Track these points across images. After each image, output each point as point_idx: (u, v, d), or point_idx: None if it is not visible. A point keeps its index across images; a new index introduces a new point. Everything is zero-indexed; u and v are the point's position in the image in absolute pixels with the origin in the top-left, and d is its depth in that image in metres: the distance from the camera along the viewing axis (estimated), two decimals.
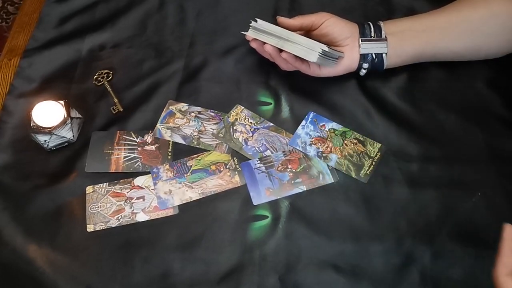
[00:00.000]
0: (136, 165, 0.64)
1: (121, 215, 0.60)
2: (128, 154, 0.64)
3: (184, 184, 0.62)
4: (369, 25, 0.64)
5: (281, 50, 0.62)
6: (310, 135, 0.65)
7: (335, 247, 0.57)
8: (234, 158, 0.64)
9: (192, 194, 0.61)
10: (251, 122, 0.66)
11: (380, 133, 0.64)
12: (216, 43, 0.74)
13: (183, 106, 0.68)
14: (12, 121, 0.68)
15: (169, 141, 0.65)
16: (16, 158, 0.65)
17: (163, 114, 0.67)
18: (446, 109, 0.66)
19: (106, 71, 0.72)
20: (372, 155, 0.63)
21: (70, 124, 0.63)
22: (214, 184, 0.62)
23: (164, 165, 0.64)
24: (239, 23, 0.69)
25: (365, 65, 0.65)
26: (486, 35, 0.63)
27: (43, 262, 0.57)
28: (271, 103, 0.68)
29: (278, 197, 0.60)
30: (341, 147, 0.64)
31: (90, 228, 0.59)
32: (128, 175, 0.63)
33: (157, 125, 0.67)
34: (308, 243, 0.58)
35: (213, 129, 0.66)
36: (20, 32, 0.77)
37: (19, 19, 0.79)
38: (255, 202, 0.60)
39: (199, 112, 0.68)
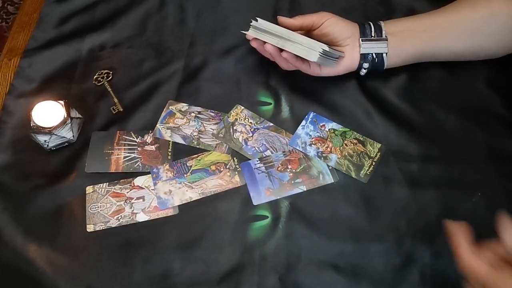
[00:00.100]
0: (136, 165, 0.64)
1: (121, 215, 0.60)
2: (128, 154, 0.64)
3: (184, 184, 0.62)
4: (369, 25, 0.64)
5: (281, 50, 0.62)
6: (310, 135, 0.65)
7: (335, 247, 0.57)
8: (234, 158, 0.64)
9: (192, 194, 0.61)
10: (251, 122, 0.66)
11: (380, 133, 0.64)
12: (216, 43, 0.74)
13: (183, 106, 0.68)
14: (12, 121, 0.68)
15: (169, 141, 0.65)
16: (16, 158, 0.65)
17: (163, 114, 0.67)
18: (446, 109, 0.66)
19: (106, 71, 0.72)
20: (372, 155, 0.63)
21: (70, 124, 0.63)
22: (214, 184, 0.62)
23: (164, 165, 0.64)
24: (239, 23, 0.69)
25: (366, 65, 0.65)
26: (486, 35, 0.63)
27: (43, 262, 0.57)
28: (271, 103, 0.68)
29: (278, 197, 0.60)
30: (341, 147, 0.64)
31: (90, 228, 0.59)
32: (128, 175, 0.63)
33: (157, 125, 0.67)
34: (308, 243, 0.58)
35: (213, 129, 0.66)
36: (20, 32, 0.77)
37: (19, 19, 0.79)
38: (255, 202, 0.60)
39: (199, 112, 0.68)
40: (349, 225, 0.58)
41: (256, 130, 0.66)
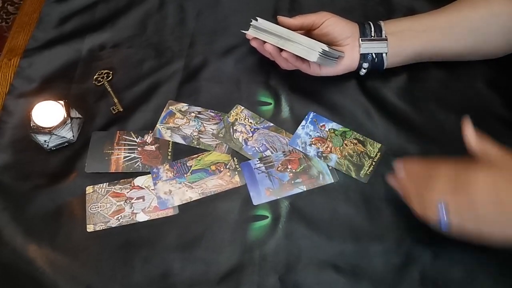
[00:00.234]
0: (136, 165, 0.64)
1: (121, 215, 0.60)
2: (128, 154, 0.64)
3: (184, 184, 0.62)
4: (369, 24, 0.64)
5: (281, 50, 0.62)
6: (310, 135, 0.65)
7: (335, 247, 0.57)
8: (234, 158, 0.64)
9: (192, 194, 0.61)
10: (251, 122, 0.66)
11: (380, 133, 0.64)
12: (216, 43, 0.74)
13: (183, 106, 0.68)
14: (12, 121, 0.68)
15: (169, 141, 0.65)
16: (16, 158, 0.65)
17: (163, 114, 0.67)
18: (446, 109, 0.66)
19: (106, 71, 0.72)
20: (372, 155, 0.63)
21: (70, 124, 0.63)
22: (214, 184, 0.62)
23: (164, 165, 0.64)
24: (239, 23, 0.69)
25: (365, 65, 0.65)
26: (486, 35, 0.63)
27: (43, 262, 0.57)
28: (271, 103, 0.68)
29: (278, 197, 0.60)
30: (341, 147, 0.64)
31: (90, 228, 0.59)
32: (128, 175, 0.63)
33: (157, 125, 0.67)
34: (308, 243, 0.58)
35: (213, 129, 0.66)
36: (20, 32, 0.77)
37: (19, 19, 0.79)
38: (255, 202, 0.60)
39: (199, 112, 0.68)
40: (349, 225, 0.58)
41: (256, 130, 0.66)
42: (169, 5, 0.78)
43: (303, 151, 0.63)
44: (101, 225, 0.60)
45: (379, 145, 0.63)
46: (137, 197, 0.61)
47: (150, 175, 0.63)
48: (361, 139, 0.64)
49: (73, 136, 0.65)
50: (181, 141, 0.65)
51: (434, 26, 0.63)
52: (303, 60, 0.63)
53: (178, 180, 0.62)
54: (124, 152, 0.65)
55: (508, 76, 0.67)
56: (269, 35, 0.62)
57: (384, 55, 0.64)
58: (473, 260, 0.55)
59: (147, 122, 0.67)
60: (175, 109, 0.68)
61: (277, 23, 0.63)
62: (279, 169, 0.62)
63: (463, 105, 0.66)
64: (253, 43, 0.65)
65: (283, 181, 0.62)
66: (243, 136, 0.65)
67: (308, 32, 0.65)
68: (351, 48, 0.64)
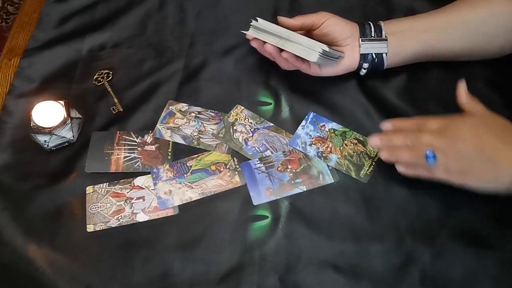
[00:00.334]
0: (136, 165, 0.64)
1: (121, 215, 0.60)
2: (128, 154, 0.64)
3: (184, 184, 0.62)
4: (369, 25, 0.64)
5: (281, 50, 0.62)
6: (310, 135, 0.65)
7: (335, 247, 0.57)
8: (234, 158, 0.64)
9: (192, 194, 0.61)
10: (251, 122, 0.66)
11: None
12: (216, 43, 0.74)
13: (183, 106, 0.68)
14: (12, 121, 0.68)
15: (169, 141, 0.65)
16: (16, 158, 0.65)
17: (163, 114, 0.67)
18: (446, 109, 0.65)
19: (106, 71, 0.72)
20: (372, 155, 0.63)
21: (70, 124, 0.63)
22: (214, 184, 0.62)
23: (164, 165, 0.64)
24: (239, 23, 0.69)
25: (365, 65, 0.65)
26: (486, 35, 0.63)
27: (43, 262, 0.57)
28: (271, 103, 0.68)
29: (278, 197, 0.60)
30: (341, 147, 0.64)
31: (90, 228, 0.59)
32: (128, 175, 0.63)
33: (157, 125, 0.67)
34: (308, 243, 0.58)
35: (213, 129, 0.66)
36: (20, 32, 0.77)
37: (19, 19, 0.79)
38: (255, 202, 0.60)
39: (199, 112, 0.68)
40: (349, 225, 0.58)
41: (256, 130, 0.66)
42: (169, 5, 0.78)
43: (303, 151, 0.63)
44: (101, 225, 0.60)
45: None
46: (137, 197, 0.61)
47: (150, 175, 0.63)
48: (361, 139, 0.64)
49: (73, 136, 0.65)
50: (181, 141, 0.65)
51: (434, 26, 0.63)
52: (303, 60, 0.63)
53: (178, 180, 0.62)
54: (124, 152, 0.65)
55: (508, 76, 0.67)
56: (269, 35, 0.62)
57: (384, 55, 0.64)
58: (473, 260, 0.55)
59: (147, 122, 0.67)
60: (175, 109, 0.68)
61: (277, 23, 0.63)
62: (279, 169, 0.62)
63: None
64: (253, 44, 0.65)
65: (283, 181, 0.62)
66: (243, 136, 0.65)
67: (308, 32, 0.65)
68: (351, 48, 0.64)
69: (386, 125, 0.59)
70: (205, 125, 0.66)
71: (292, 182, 0.61)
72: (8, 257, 0.58)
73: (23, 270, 0.57)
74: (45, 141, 0.63)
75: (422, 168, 0.56)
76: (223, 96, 0.69)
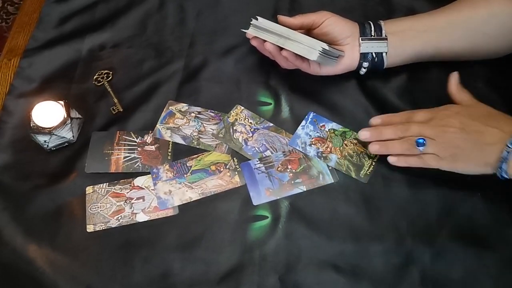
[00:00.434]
0: (136, 165, 0.64)
1: (121, 216, 0.60)
2: (128, 155, 0.64)
3: (184, 185, 0.62)
4: (369, 24, 0.64)
5: (281, 48, 0.62)
6: (310, 135, 0.65)
7: (335, 247, 0.57)
8: (234, 158, 0.64)
9: (192, 194, 0.61)
10: (251, 122, 0.66)
11: None
12: (216, 43, 0.74)
13: (183, 106, 0.68)
14: (12, 121, 0.68)
15: (169, 141, 0.65)
16: (16, 158, 0.65)
17: (163, 114, 0.67)
18: None
19: (106, 71, 0.72)
20: (372, 156, 0.63)
21: (70, 125, 0.63)
22: (214, 184, 0.62)
23: (164, 165, 0.64)
24: (239, 23, 0.69)
25: (365, 64, 0.65)
26: (486, 35, 0.63)
27: (43, 262, 0.57)
28: (271, 103, 0.68)
29: (278, 197, 0.60)
30: (341, 147, 0.64)
31: (90, 228, 0.59)
32: (128, 176, 0.63)
33: (157, 125, 0.67)
34: (308, 243, 0.58)
35: (213, 129, 0.66)
36: (20, 32, 0.77)
37: (19, 19, 0.79)
38: (255, 202, 0.60)
39: (199, 113, 0.68)
40: (349, 225, 0.58)
41: (256, 130, 0.66)
42: (169, 5, 0.78)
43: (303, 151, 0.63)
44: (101, 225, 0.60)
45: None
46: (137, 197, 0.61)
47: (150, 175, 0.63)
48: None
49: (73, 136, 0.65)
50: (181, 141, 0.65)
51: (434, 26, 0.63)
52: (303, 59, 0.63)
53: (178, 180, 0.62)
54: (124, 152, 0.65)
55: (508, 76, 0.67)
56: (269, 34, 0.62)
57: (384, 54, 0.64)
58: (473, 260, 0.55)
59: (147, 122, 0.67)
60: (175, 109, 0.68)
61: (277, 22, 0.63)
62: (279, 169, 0.62)
63: None
64: (253, 42, 0.65)
65: (283, 181, 0.62)
66: (243, 136, 0.65)
67: (308, 31, 0.65)
68: (351, 48, 0.64)
69: (375, 120, 0.62)
70: (205, 125, 0.66)
71: (292, 182, 0.61)
72: (8, 257, 0.58)
73: (23, 270, 0.57)
74: (45, 141, 0.63)
75: (413, 158, 0.58)
76: (223, 96, 0.69)
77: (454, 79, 0.61)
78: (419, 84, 0.68)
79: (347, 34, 0.64)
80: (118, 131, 0.66)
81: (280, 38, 0.61)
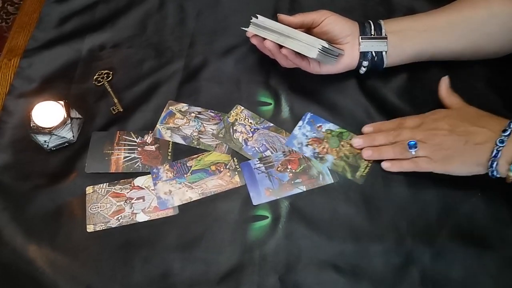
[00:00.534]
0: (136, 165, 0.64)
1: (121, 216, 0.60)
2: (128, 155, 0.64)
3: (184, 185, 0.62)
4: (369, 23, 0.64)
5: (281, 47, 0.62)
6: (307, 136, 0.65)
7: (335, 247, 0.57)
8: (234, 158, 0.64)
9: (192, 195, 0.61)
10: (251, 122, 0.66)
11: None
12: (216, 43, 0.74)
13: (183, 106, 0.68)
14: (12, 121, 0.68)
15: (169, 141, 0.65)
16: (16, 158, 0.65)
17: (163, 114, 0.67)
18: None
19: (106, 71, 0.72)
20: None
21: (70, 125, 0.63)
22: (214, 184, 0.62)
23: (164, 165, 0.64)
24: (239, 23, 0.69)
25: (365, 63, 0.65)
26: (487, 35, 0.63)
27: (43, 262, 0.57)
28: (271, 103, 0.68)
29: (278, 197, 0.60)
30: (338, 148, 0.63)
31: (90, 228, 0.59)
32: (128, 176, 0.63)
33: (157, 125, 0.67)
34: (308, 243, 0.58)
35: (213, 130, 0.66)
36: (20, 32, 0.77)
37: (19, 19, 0.79)
38: (255, 202, 0.60)
39: (199, 113, 0.68)
40: (349, 225, 0.58)
41: (256, 130, 0.66)
42: (169, 5, 0.78)
43: (299, 152, 0.63)
44: (101, 225, 0.60)
45: None
46: (137, 197, 0.61)
47: (150, 175, 0.63)
48: None
49: (73, 136, 0.65)
50: (181, 141, 0.65)
51: (434, 26, 0.63)
52: (303, 57, 0.63)
53: (178, 180, 0.62)
54: (124, 152, 0.65)
55: (508, 76, 0.67)
56: (269, 32, 0.62)
57: (384, 53, 0.64)
58: (473, 260, 0.55)
59: (147, 122, 0.67)
60: (175, 109, 0.68)
61: (277, 21, 0.63)
62: (279, 169, 0.62)
63: None
64: (253, 41, 0.65)
65: (283, 181, 0.62)
66: (243, 136, 0.65)
67: (308, 30, 0.65)
68: (351, 46, 0.64)
69: (367, 128, 0.64)
70: (205, 125, 0.66)
71: (292, 182, 0.61)
72: (8, 257, 0.58)
73: (23, 270, 0.57)
74: (45, 141, 0.63)
75: (406, 162, 0.59)
76: (223, 96, 0.69)
77: (444, 83, 0.63)
78: (419, 84, 0.68)
79: (347, 33, 0.64)
80: (118, 131, 0.66)
81: (280, 36, 0.61)
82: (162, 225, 0.59)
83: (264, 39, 0.62)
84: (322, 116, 0.66)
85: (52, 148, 0.65)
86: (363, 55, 0.64)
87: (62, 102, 0.64)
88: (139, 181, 0.63)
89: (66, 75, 0.72)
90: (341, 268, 0.56)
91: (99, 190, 0.62)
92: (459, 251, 0.56)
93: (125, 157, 0.64)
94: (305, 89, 0.68)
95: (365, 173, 0.61)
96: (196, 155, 0.64)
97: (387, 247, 0.57)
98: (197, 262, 0.57)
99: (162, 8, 0.78)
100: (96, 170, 0.63)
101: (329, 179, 0.61)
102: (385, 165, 0.61)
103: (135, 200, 0.61)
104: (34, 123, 0.62)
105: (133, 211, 0.60)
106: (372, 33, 0.64)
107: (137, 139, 0.66)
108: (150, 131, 0.66)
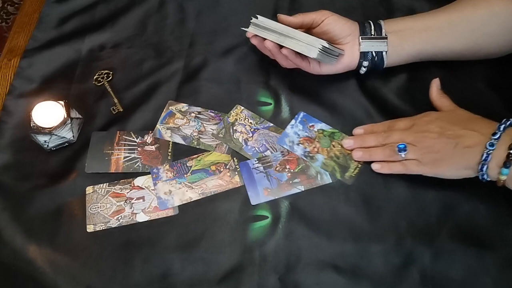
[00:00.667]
0: (136, 165, 0.64)
1: (121, 216, 0.60)
2: (128, 155, 0.64)
3: (184, 185, 0.62)
4: (369, 23, 0.64)
5: (281, 47, 0.62)
6: (299, 135, 0.65)
7: (335, 247, 0.57)
8: (234, 158, 0.64)
9: (192, 195, 0.61)
10: (251, 123, 0.66)
11: None
12: (216, 43, 0.74)
13: (183, 106, 0.68)
14: (12, 121, 0.68)
15: (169, 141, 0.65)
16: (16, 158, 0.65)
17: (163, 114, 0.67)
18: None
19: (106, 71, 0.72)
20: None
21: (70, 125, 0.63)
22: (214, 184, 0.62)
23: (164, 165, 0.64)
24: (239, 23, 0.69)
25: (365, 63, 0.65)
26: (487, 35, 0.63)
27: (43, 262, 0.57)
28: (271, 103, 0.68)
29: (276, 197, 0.60)
30: (329, 148, 0.63)
31: (90, 228, 0.59)
32: (128, 176, 0.63)
33: (157, 125, 0.67)
34: (308, 243, 0.58)
35: (213, 130, 0.66)
36: (20, 32, 0.77)
37: (19, 19, 0.79)
38: (253, 202, 0.60)
39: (199, 113, 0.68)
40: (349, 225, 0.58)
41: (256, 130, 0.66)
42: (169, 5, 0.78)
43: (290, 150, 0.63)
44: (101, 225, 0.60)
45: None
46: (137, 197, 0.61)
47: (150, 175, 0.63)
48: None
49: (73, 136, 0.65)
50: (181, 141, 0.65)
51: (434, 26, 0.63)
52: (303, 57, 0.63)
53: (178, 180, 0.62)
54: (124, 152, 0.65)
55: (508, 76, 0.67)
56: (269, 32, 0.62)
57: (384, 53, 0.64)
58: (473, 260, 0.55)
59: (147, 122, 0.67)
60: (175, 109, 0.68)
61: (277, 21, 0.63)
62: (277, 169, 0.62)
63: (463, 105, 0.65)
64: (253, 41, 0.65)
65: (281, 181, 0.62)
66: (243, 136, 0.65)
67: (308, 30, 0.65)
68: (351, 46, 0.64)
69: (358, 130, 0.64)
70: (205, 125, 0.66)
71: (290, 182, 0.61)
72: (8, 257, 0.58)
73: (23, 270, 0.57)
74: (45, 141, 0.63)
75: (396, 164, 0.59)
76: (223, 96, 0.69)
77: (435, 85, 0.63)
78: (419, 84, 0.68)
79: (347, 33, 0.64)
80: (118, 131, 0.66)
81: (280, 36, 0.61)
82: (162, 225, 0.59)
83: (264, 39, 0.63)
84: (322, 116, 0.66)
85: (52, 148, 0.65)
86: (363, 55, 0.64)
87: (62, 102, 0.64)
88: (139, 181, 0.63)
89: (66, 75, 0.72)
90: (341, 268, 0.56)
91: (99, 190, 0.62)
92: (459, 251, 0.56)
93: (125, 157, 0.64)
94: (305, 89, 0.68)
95: (355, 173, 0.61)
96: (196, 155, 0.64)
97: (387, 247, 0.57)
98: (197, 262, 0.57)
99: (162, 8, 0.78)
100: (96, 170, 0.63)
101: (328, 179, 0.61)
102: (375, 167, 0.61)
103: (135, 200, 0.61)
104: (34, 123, 0.62)
105: (133, 211, 0.60)
106: (372, 33, 0.64)
107: (137, 139, 0.66)
108: (150, 131, 0.66)
